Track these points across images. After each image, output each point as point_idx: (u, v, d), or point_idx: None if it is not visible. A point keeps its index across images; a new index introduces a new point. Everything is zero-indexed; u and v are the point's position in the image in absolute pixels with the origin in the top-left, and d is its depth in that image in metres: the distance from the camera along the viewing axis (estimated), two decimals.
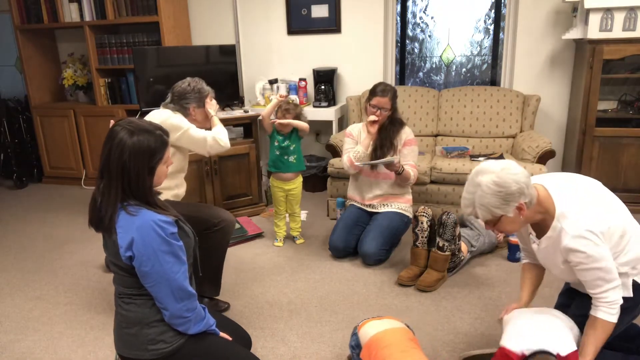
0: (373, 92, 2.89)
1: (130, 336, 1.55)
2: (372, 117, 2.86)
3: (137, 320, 1.55)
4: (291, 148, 3.06)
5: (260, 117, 3.18)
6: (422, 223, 2.67)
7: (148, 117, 2.41)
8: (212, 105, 2.58)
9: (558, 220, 1.64)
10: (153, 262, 1.45)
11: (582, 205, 1.65)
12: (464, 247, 2.78)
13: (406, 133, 2.96)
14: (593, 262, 1.59)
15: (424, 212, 2.68)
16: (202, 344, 1.61)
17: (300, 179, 3.18)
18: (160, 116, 2.42)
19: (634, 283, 1.69)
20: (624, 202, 1.76)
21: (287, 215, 3.27)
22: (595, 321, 1.64)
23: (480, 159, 3.42)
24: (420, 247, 2.69)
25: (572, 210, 1.64)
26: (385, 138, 2.92)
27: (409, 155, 2.95)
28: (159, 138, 1.50)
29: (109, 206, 1.47)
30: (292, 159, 3.09)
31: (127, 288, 1.55)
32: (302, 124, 3.00)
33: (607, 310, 1.62)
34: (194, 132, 2.45)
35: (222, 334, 1.69)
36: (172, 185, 2.49)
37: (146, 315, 1.54)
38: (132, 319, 1.55)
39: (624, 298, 1.65)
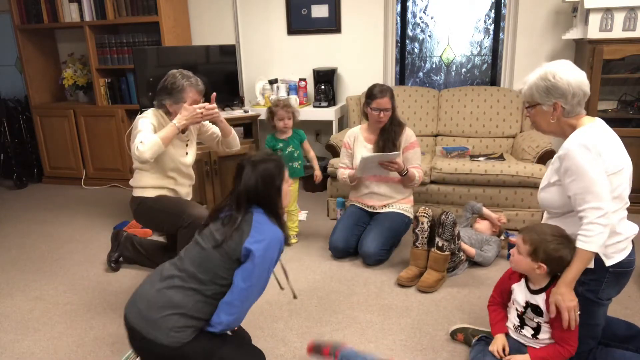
0: (371, 95, 2.87)
1: (160, 317, 1.57)
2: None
3: (177, 306, 1.58)
4: (296, 154, 3.08)
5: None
6: (422, 223, 2.67)
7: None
8: (186, 109, 2.31)
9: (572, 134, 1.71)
10: (269, 267, 1.66)
11: (604, 142, 1.68)
12: (470, 249, 2.78)
13: (408, 135, 2.96)
14: (581, 175, 1.63)
15: (424, 213, 2.68)
16: (215, 341, 1.66)
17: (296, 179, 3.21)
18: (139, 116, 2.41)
19: (596, 257, 1.69)
20: None
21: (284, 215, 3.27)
22: (575, 252, 1.66)
23: (480, 159, 3.43)
24: (420, 247, 2.68)
25: (590, 132, 1.68)
26: (387, 139, 2.92)
27: (413, 158, 2.95)
28: (276, 162, 1.71)
29: (241, 211, 1.67)
30: (297, 164, 3.11)
31: (198, 270, 1.62)
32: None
33: (582, 238, 1.63)
34: (137, 135, 2.27)
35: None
36: (166, 184, 2.50)
37: (189, 307, 1.59)
38: (174, 302, 1.59)
39: (585, 269, 1.67)
